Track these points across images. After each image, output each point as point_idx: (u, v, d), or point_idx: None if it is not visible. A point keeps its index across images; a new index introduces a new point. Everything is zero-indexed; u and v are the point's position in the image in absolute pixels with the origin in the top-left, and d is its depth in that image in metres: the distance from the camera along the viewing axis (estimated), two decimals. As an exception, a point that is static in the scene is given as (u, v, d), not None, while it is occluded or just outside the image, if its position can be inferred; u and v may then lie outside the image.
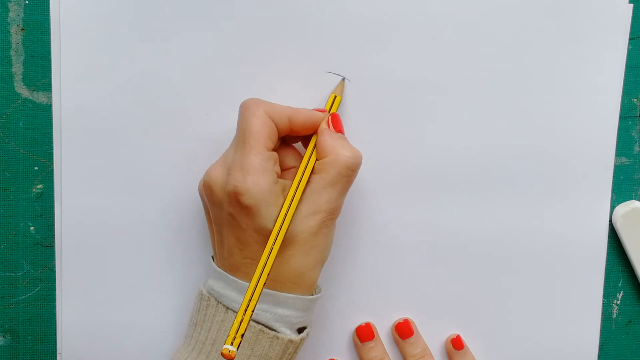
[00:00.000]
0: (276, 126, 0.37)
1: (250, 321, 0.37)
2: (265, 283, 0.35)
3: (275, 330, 0.37)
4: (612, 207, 0.44)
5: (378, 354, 0.44)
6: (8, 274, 0.44)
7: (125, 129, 0.43)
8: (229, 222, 0.37)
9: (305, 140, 0.40)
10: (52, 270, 0.44)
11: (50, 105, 0.43)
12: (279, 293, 0.37)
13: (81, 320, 0.44)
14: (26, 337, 0.44)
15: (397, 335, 0.44)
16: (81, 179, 0.43)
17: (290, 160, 0.40)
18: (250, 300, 0.35)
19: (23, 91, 0.43)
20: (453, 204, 0.44)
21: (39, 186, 0.43)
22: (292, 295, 0.37)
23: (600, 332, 0.45)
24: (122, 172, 0.43)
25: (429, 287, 0.44)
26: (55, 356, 0.44)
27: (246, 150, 0.36)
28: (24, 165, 0.43)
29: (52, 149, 0.43)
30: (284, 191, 0.37)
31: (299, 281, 0.38)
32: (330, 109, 0.41)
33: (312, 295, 0.39)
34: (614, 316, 0.45)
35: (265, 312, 0.37)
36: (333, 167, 0.37)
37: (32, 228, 0.44)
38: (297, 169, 0.39)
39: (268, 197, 0.36)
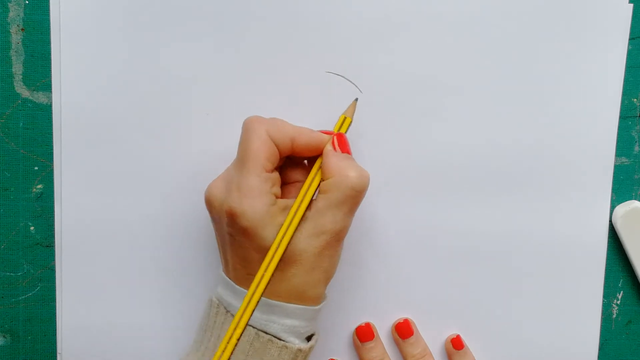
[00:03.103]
0: (277, 147, 0.37)
1: (259, 331, 0.37)
2: (258, 302, 0.35)
3: (283, 340, 0.37)
4: (612, 207, 0.44)
5: (378, 354, 0.44)
6: (8, 274, 0.44)
7: (125, 128, 0.43)
8: (230, 240, 0.37)
9: (311, 159, 0.40)
10: (52, 270, 0.44)
11: (50, 105, 0.43)
12: (286, 304, 0.37)
13: (81, 320, 0.44)
14: (26, 337, 0.44)
15: (397, 335, 0.44)
16: (81, 179, 0.43)
17: (297, 174, 0.40)
18: (236, 328, 0.35)
19: (23, 91, 0.43)
20: (452, 204, 0.44)
21: (39, 186, 0.43)
22: (299, 306, 0.37)
23: (600, 332, 0.45)
24: (122, 172, 0.43)
25: (429, 287, 0.44)
26: (55, 356, 0.44)
27: (244, 172, 0.36)
28: (24, 165, 0.43)
29: (52, 149, 0.43)
30: (286, 210, 0.37)
31: (302, 298, 0.37)
32: (338, 131, 0.40)
33: (319, 305, 0.39)
34: (614, 316, 0.45)
35: (274, 323, 0.37)
36: (338, 189, 0.36)
37: (32, 228, 0.44)
38: (303, 184, 0.38)
39: (264, 219, 0.35)
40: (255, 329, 0.37)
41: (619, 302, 0.45)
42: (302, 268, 0.37)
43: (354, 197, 0.37)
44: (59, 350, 0.44)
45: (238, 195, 0.35)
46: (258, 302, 0.35)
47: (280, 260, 0.36)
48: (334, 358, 0.45)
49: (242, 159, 0.36)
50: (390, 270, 0.44)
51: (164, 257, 0.44)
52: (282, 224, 0.36)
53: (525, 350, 0.45)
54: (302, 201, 0.37)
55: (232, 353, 0.35)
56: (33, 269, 0.44)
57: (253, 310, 0.35)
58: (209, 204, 0.38)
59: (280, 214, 0.36)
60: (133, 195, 0.43)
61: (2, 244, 0.44)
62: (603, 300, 0.45)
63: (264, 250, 0.36)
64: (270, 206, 0.36)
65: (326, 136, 0.38)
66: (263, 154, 0.36)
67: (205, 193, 0.38)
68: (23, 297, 0.44)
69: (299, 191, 0.38)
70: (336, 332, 0.44)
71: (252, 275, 0.37)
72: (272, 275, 0.36)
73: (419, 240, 0.44)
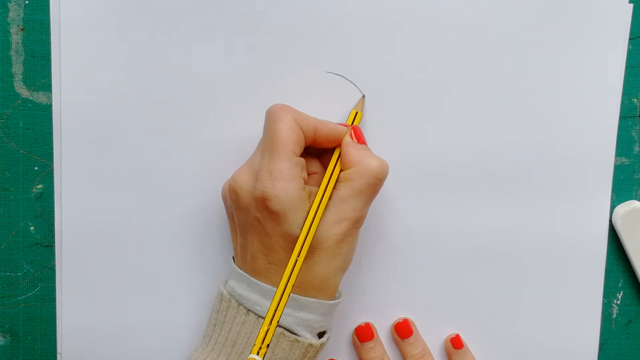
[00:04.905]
0: (303, 134, 0.38)
1: None
2: (290, 292, 0.36)
3: (296, 334, 0.38)
4: (612, 207, 0.44)
5: (377, 354, 0.44)
6: (8, 274, 0.44)
7: (125, 128, 0.43)
8: (255, 227, 0.37)
9: (325, 152, 0.40)
10: (52, 270, 0.44)
11: (50, 105, 0.43)
12: (301, 297, 0.37)
13: (81, 320, 0.44)
14: (26, 337, 0.44)
15: (396, 335, 0.44)
16: (81, 179, 0.43)
17: (312, 166, 0.40)
18: (276, 310, 0.35)
19: (23, 91, 0.43)
20: (451, 205, 0.44)
21: (39, 186, 0.43)
22: (314, 299, 0.38)
23: (600, 332, 0.45)
24: (121, 171, 0.43)
25: (429, 287, 0.44)
26: (55, 356, 0.44)
27: (274, 156, 0.36)
28: (24, 165, 0.43)
29: (52, 149, 0.43)
30: (310, 197, 0.37)
31: (321, 288, 0.38)
32: (352, 124, 0.41)
33: (333, 300, 0.39)
34: (614, 316, 0.45)
35: (287, 315, 0.37)
36: (361, 177, 0.37)
37: (32, 228, 0.44)
38: (319, 175, 0.39)
39: (296, 203, 0.36)
40: None
41: (619, 302, 0.45)
42: (324, 256, 0.37)
43: (375, 185, 0.38)
44: (59, 350, 0.44)
45: (270, 179, 0.36)
46: (290, 292, 0.36)
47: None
48: (333, 358, 0.45)
49: (271, 145, 0.37)
50: (389, 270, 0.44)
51: (164, 256, 0.44)
52: (308, 211, 0.37)
53: (525, 350, 0.45)
54: (325, 189, 0.37)
55: (269, 344, 0.35)
56: (33, 269, 0.44)
57: (287, 299, 0.36)
58: (235, 193, 0.38)
59: (308, 200, 0.37)
60: (133, 195, 0.43)
61: (2, 244, 0.44)
62: (603, 300, 0.45)
63: (290, 237, 0.36)
64: (301, 190, 0.37)
65: (344, 128, 0.40)
66: (292, 140, 0.37)
67: (228, 183, 0.38)
68: (23, 297, 0.44)
69: (316, 182, 0.39)
70: (336, 332, 0.44)
71: (274, 264, 0.37)
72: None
73: (418, 240, 0.44)
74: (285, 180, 0.36)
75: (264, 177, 0.36)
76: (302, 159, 0.38)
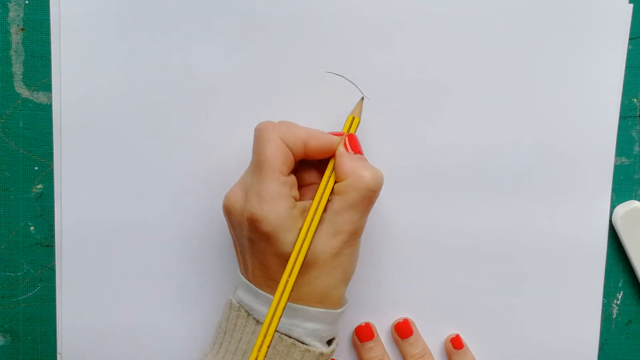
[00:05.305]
0: (291, 151, 0.37)
1: (283, 335, 0.37)
2: (284, 307, 0.35)
3: (306, 344, 0.37)
4: (612, 207, 0.44)
5: (378, 354, 0.44)
6: (8, 274, 0.44)
7: (125, 128, 0.43)
8: (250, 245, 0.37)
9: (323, 162, 0.40)
10: (52, 270, 0.44)
11: (50, 105, 0.43)
12: (309, 308, 0.37)
13: (81, 320, 0.44)
14: (26, 337, 0.44)
15: (396, 335, 0.44)
16: (81, 179, 0.43)
17: (310, 177, 0.40)
18: (267, 331, 0.35)
19: (23, 91, 0.43)
20: (451, 204, 0.44)
21: (39, 186, 0.43)
22: (322, 310, 0.37)
23: (600, 332, 0.45)
24: (121, 171, 0.43)
25: (429, 287, 0.44)
26: (55, 356, 0.44)
27: (262, 177, 0.36)
28: (24, 165, 0.43)
29: (52, 149, 0.43)
30: (304, 213, 0.37)
31: (324, 300, 0.37)
32: (348, 132, 0.40)
33: (340, 308, 0.39)
34: (614, 316, 0.45)
35: (297, 327, 0.37)
36: (354, 189, 0.36)
37: (32, 228, 0.44)
38: (317, 186, 0.38)
39: (285, 223, 0.36)
40: (279, 333, 0.37)
41: (619, 302, 0.45)
42: (322, 270, 0.37)
43: (370, 197, 0.37)
44: (59, 350, 0.44)
45: (258, 201, 0.35)
46: (284, 309, 0.36)
47: (301, 264, 0.36)
48: (333, 358, 0.45)
49: (258, 165, 0.36)
50: (390, 270, 0.44)
51: (163, 257, 0.44)
52: (301, 228, 0.36)
53: (525, 350, 0.45)
54: (318, 205, 0.37)
55: None
56: (33, 269, 0.44)
57: (280, 318, 0.35)
58: (228, 212, 0.38)
59: (300, 217, 0.37)
60: (133, 195, 0.43)
61: (2, 244, 0.44)
62: (603, 300, 0.45)
63: (283, 255, 0.36)
64: (291, 209, 0.36)
65: (337, 138, 0.38)
66: (279, 159, 0.36)
67: (223, 202, 0.38)
68: (23, 297, 0.44)
69: (314, 193, 0.38)
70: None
71: (273, 280, 0.37)
72: (295, 280, 0.36)
73: (418, 240, 0.44)
74: (273, 202, 0.35)
75: (252, 198, 0.36)
76: (291, 177, 0.37)
